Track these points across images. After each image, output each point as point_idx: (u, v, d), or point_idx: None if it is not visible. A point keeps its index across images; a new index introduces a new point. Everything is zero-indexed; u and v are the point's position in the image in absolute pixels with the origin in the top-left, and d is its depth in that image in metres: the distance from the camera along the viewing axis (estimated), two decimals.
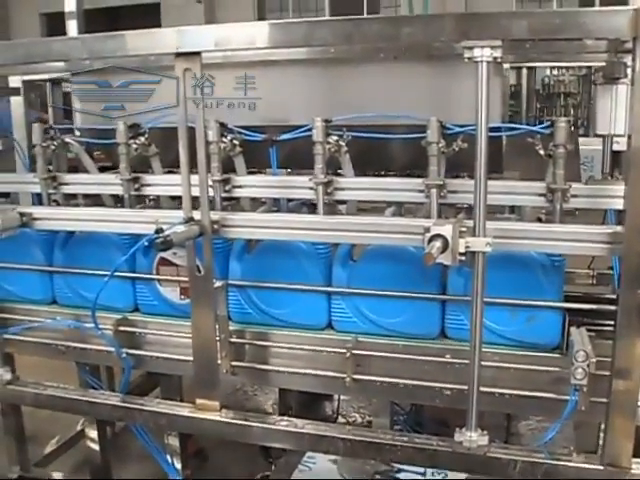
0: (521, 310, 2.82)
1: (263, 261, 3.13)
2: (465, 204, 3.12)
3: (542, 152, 2.85)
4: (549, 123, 2.83)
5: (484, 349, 2.76)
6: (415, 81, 3.22)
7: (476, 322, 2.54)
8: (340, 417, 3.94)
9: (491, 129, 2.90)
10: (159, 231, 2.67)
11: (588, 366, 2.52)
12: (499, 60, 2.38)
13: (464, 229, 2.47)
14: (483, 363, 2.70)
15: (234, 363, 3.13)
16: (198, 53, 2.75)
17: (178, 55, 2.76)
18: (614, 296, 2.96)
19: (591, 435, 2.88)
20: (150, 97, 3.60)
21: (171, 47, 2.76)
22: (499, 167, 3.39)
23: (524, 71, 9.77)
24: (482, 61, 2.37)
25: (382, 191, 3.07)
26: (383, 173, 3.68)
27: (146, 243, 2.77)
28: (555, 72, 12.53)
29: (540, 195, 2.86)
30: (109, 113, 3.61)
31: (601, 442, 2.67)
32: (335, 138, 3.05)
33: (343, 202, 3.26)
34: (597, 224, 2.72)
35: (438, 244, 2.42)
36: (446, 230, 2.44)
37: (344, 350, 2.95)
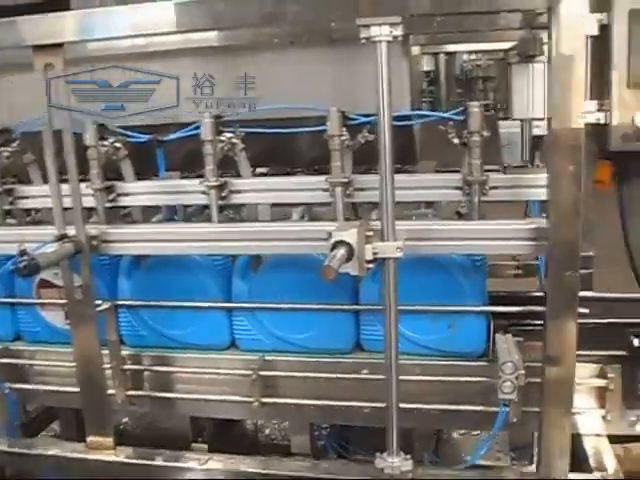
0: (441, 317, 2.50)
1: (155, 277, 2.73)
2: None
3: (456, 141, 2.53)
4: (462, 109, 2.51)
5: (404, 361, 2.46)
6: (317, 68, 2.86)
7: (390, 335, 2.21)
8: (260, 434, 3.57)
9: (400, 117, 2.60)
10: (22, 253, 2.26)
11: (517, 378, 2.22)
12: (400, 39, 2.04)
13: (371, 233, 2.14)
14: (404, 377, 2.39)
15: (130, 392, 2.75)
16: (60, 45, 2.35)
17: (37, 48, 2.35)
18: None
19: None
20: None
21: (29, 39, 2.35)
22: (413, 159, 3.07)
23: (441, 57, 9.47)
24: (381, 41, 2.03)
25: (283, 192, 2.69)
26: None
27: (12, 267, 2.36)
28: (473, 57, 12.27)
29: (456, 188, 2.54)
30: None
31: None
32: (229, 135, 2.69)
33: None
34: (521, 218, 2.42)
35: (342, 252, 2.08)
36: (350, 235, 2.10)
37: (249, 372, 2.60)
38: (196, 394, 2.74)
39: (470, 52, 11.86)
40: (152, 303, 2.73)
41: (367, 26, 2.02)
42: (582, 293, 2.52)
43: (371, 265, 2.14)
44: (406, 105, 2.81)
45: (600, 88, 2.30)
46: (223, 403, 2.70)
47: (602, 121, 2.29)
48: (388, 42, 2.03)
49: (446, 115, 2.55)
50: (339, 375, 2.59)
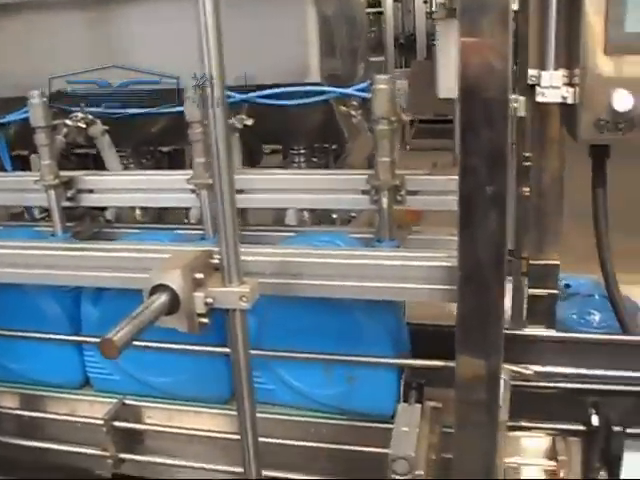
0: (336, 367, 1.77)
1: None
2: None
3: (365, 126, 1.77)
4: (369, 82, 1.72)
5: (296, 418, 1.77)
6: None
7: (243, 395, 1.47)
8: None
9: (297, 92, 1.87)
10: None
11: None
12: None
13: (201, 276, 1.39)
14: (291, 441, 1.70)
15: None
16: None
17: None
18: None
19: None
20: None
21: None
22: (337, 138, 2.30)
23: None
24: None
25: (147, 193, 1.96)
26: None
27: None
28: None
29: (363, 192, 1.77)
30: None
31: None
32: (81, 116, 1.95)
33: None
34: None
35: (163, 299, 1.36)
36: (173, 278, 1.37)
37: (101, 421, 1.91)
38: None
39: None
40: None
41: None
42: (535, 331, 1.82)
43: (205, 320, 1.41)
44: (313, 73, 2.01)
45: (569, 55, 1.53)
46: (77, 455, 2.02)
47: (570, 100, 1.54)
48: None
49: (349, 91, 1.78)
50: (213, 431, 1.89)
